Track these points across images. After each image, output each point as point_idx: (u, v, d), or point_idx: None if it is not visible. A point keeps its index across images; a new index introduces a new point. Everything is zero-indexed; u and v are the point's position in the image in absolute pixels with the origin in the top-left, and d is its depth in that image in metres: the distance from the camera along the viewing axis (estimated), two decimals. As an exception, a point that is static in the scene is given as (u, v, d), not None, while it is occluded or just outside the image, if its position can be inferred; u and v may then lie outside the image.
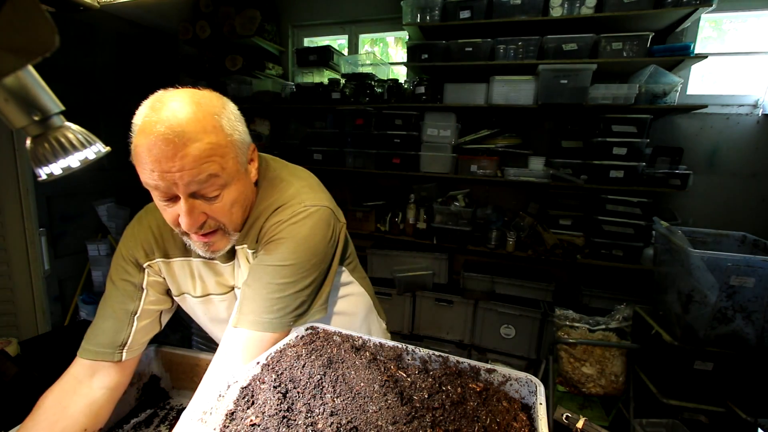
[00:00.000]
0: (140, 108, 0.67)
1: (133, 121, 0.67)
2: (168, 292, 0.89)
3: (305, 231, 0.76)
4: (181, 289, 0.87)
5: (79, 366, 0.80)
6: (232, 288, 0.87)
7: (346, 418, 0.51)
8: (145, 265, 0.84)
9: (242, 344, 0.71)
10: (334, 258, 0.83)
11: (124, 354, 0.81)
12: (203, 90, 0.70)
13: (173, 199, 0.68)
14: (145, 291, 0.84)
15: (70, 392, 0.79)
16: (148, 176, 0.65)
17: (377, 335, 1.08)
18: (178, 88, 0.70)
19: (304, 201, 0.78)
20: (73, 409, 0.78)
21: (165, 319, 0.90)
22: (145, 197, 0.76)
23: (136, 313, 0.83)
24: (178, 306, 0.93)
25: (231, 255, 0.83)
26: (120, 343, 0.81)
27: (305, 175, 0.88)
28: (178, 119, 0.63)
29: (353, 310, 1.02)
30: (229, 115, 0.71)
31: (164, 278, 0.86)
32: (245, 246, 0.81)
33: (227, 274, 0.85)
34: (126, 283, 0.83)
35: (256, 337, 0.71)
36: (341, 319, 0.98)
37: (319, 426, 0.49)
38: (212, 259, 0.83)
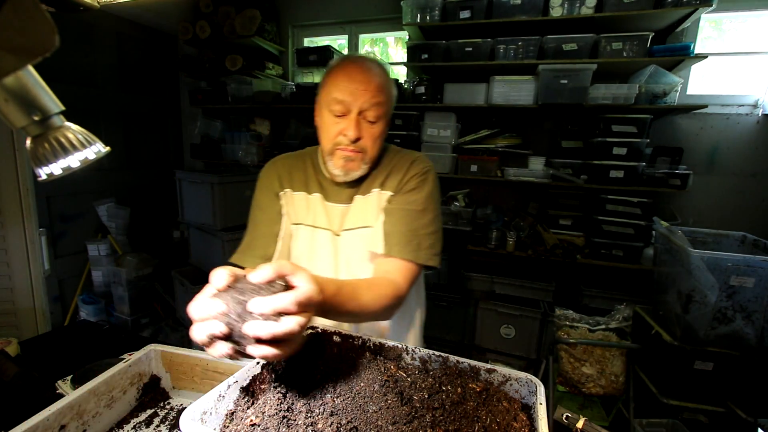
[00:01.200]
0: (341, 55, 0.98)
1: (330, 63, 0.95)
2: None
3: (432, 187, 0.99)
4: (298, 219, 1.02)
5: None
6: (338, 232, 0.99)
7: (346, 418, 0.51)
8: (281, 194, 1.03)
9: (397, 269, 0.89)
10: None
11: None
12: None
13: (344, 116, 0.90)
14: (284, 217, 1.02)
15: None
16: (338, 92, 0.88)
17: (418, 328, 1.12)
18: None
19: (428, 161, 1.02)
20: None
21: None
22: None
23: (278, 235, 1.01)
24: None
25: (345, 198, 0.99)
26: (269, 256, 0.99)
27: None
28: (372, 62, 0.92)
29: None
30: (392, 80, 0.96)
31: (286, 208, 1.02)
32: (386, 192, 0.98)
33: (336, 215, 1.00)
34: (270, 209, 1.02)
35: (405, 265, 0.90)
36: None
37: (319, 426, 0.49)
38: (337, 183, 0.99)
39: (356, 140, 0.90)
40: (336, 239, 0.99)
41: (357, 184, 1.00)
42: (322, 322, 0.77)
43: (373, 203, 0.99)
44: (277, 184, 1.03)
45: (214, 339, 0.47)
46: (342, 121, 0.90)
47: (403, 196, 0.96)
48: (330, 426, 0.49)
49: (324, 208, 1.01)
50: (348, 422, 0.50)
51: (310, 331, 0.74)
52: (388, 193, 0.98)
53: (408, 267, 0.90)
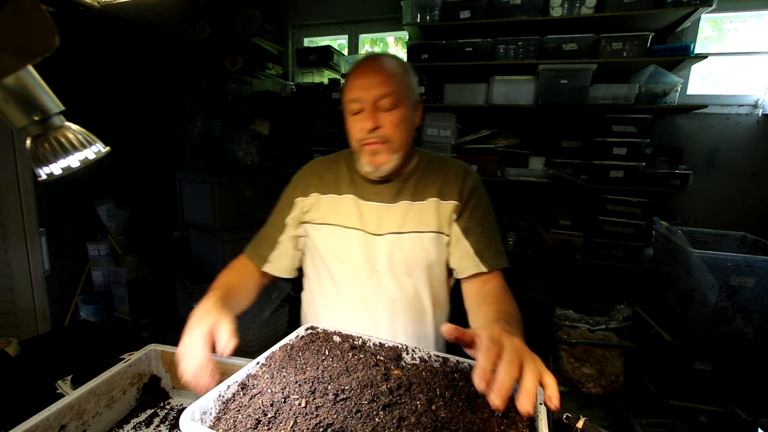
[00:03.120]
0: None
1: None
2: (300, 231, 1.08)
3: (488, 196, 1.07)
4: (325, 219, 1.03)
5: (244, 258, 1.08)
6: (372, 232, 1.00)
7: (346, 419, 0.50)
8: (297, 200, 1.06)
9: (498, 279, 0.97)
10: None
11: (266, 266, 1.06)
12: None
13: (362, 113, 0.92)
14: (287, 225, 1.07)
15: (246, 267, 1.07)
16: (351, 87, 0.93)
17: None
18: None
19: (470, 167, 1.09)
20: (250, 275, 1.05)
21: (295, 260, 1.09)
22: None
23: (277, 242, 1.07)
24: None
25: (385, 198, 1.00)
26: (266, 257, 1.06)
27: None
28: (383, 57, 0.96)
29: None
30: (411, 71, 0.99)
31: (308, 211, 1.06)
32: (447, 202, 1.00)
33: (377, 214, 1.01)
34: (282, 216, 1.08)
35: (499, 273, 0.98)
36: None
37: (320, 425, 0.49)
38: (374, 181, 1.01)
39: (375, 129, 0.92)
40: (372, 239, 1.00)
41: (400, 186, 1.01)
42: (322, 322, 0.77)
43: (430, 210, 1.00)
44: (301, 191, 1.07)
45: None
46: (360, 118, 0.94)
47: (474, 211, 1.01)
48: (330, 426, 0.49)
49: (357, 208, 1.02)
50: (347, 422, 0.50)
51: (310, 331, 0.74)
52: (451, 203, 1.00)
53: (501, 274, 0.99)
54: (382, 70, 0.92)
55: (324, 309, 1.08)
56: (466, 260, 0.98)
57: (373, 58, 0.95)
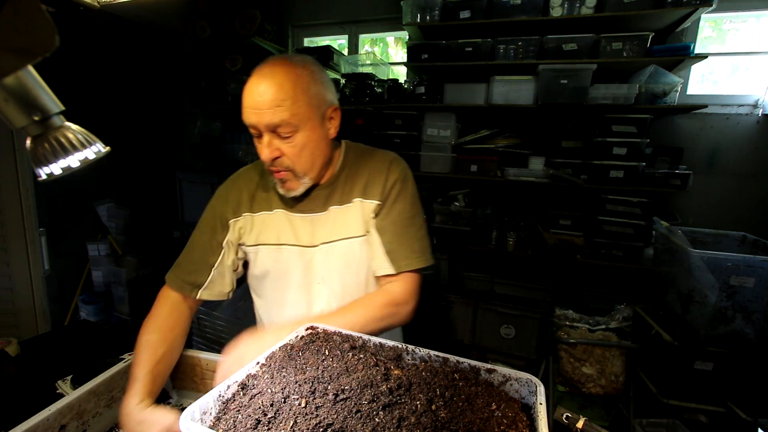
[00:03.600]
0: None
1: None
2: (238, 253, 1.00)
3: (414, 190, 0.99)
4: (259, 240, 0.98)
5: (169, 290, 0.97)
6: (314, 245, 0.96)
7: (345, 419, 0.50)
8: (231, 222, 0.98)
9: (401, 281, 0.92)
10: None
11: (200, 293, 0.96)
12: (308, 56, 0.90)
13: (261, 135, 0.85)
14: (223, 248, 0.97)
15: (173, 307, 0.95)
16: (245, 115, 0.84)
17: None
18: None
19: (403, 162, 1.00)
20: (180, 319, 0.95)
21: (233, 280, 1.01)
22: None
23: (213, 266, 0.97)
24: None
25: (315, 208, 0.96)
26: (199, 284, 0.96)
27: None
28: (271, 70, 0.83)
29: None
30: (314, 72, 0.87)
31: (241, 235, 0.98)
32: (368, 201, 0.95)
33: (309, 227, 0.96)
34: (212, 237, 0.97)
35: (410, 275, 0.92)
36: None
37: (320, 425, 0.49)
38: (292, 205, 0.96)
39: (275, 159, 0.86)
40: (308, 252, 0.96)
41: (328, 192, 0.97)
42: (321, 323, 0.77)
43: (356, 213, 0.96)
44: (231, 210, 0.98)
45: None
46: (261, 141, 0.86)
47: (392, 207, 0.95)
48: (330, 426, 0.49)
49: (289, 223, 0.97)
50: (347, 422, 0.50)
51: (310, 331, 0.74)
52: (372, 202, 0.95)
53: (413, 276, 0.94)
54: (271, 89, 0.81)
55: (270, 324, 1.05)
56: (377, 261, 0.94)
57: (262, 77, 0.82)
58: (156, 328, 0.90)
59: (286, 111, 0.81)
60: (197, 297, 0.96)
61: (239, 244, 0.99)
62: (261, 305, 1.07)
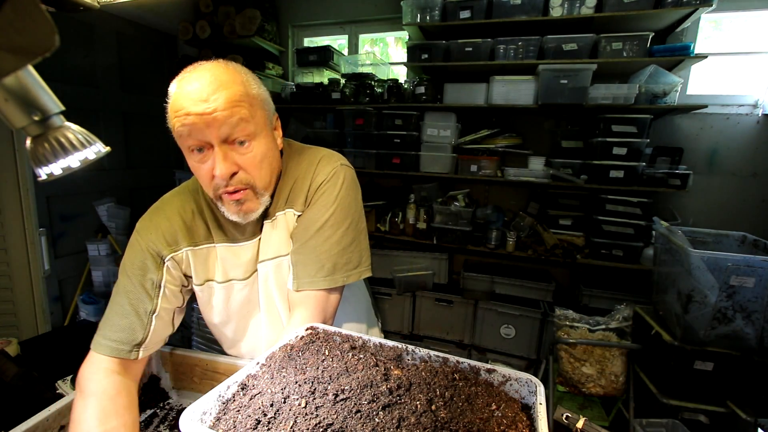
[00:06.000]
0: (177, 77, 0.73)
1: (168, 88, 0.72)
2: (182, 290, 0.86)
3: (342, 192, 0.82)
4: (208, 276, 0.86)
5: (98, 358, 0.76)
6: (255, 271, 0.87)
7: (344, 419, 0.50)
8: (167, 258, 0.82)
9: (310, 303, 0.79)
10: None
11: (141, 352, 0.78)
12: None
13: (206, 150, 0.71)
14: (162, 289, 0.81)
15: (111, 386, 0.74)
16: (182, 123, 0.68)
17: (374, 334, 1.09)
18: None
19: (336, 160, 0.86)
20: (124, 402, 0.74)
21: (177, 321, 0.87)
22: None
23: (154, 312, 0.80)
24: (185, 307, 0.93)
25: (255, 232, 0.86)
26: (138, 341, 0.78)
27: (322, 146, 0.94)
28: (212, 70, 0.70)
29: (353, 307, 1.03)
30: (255, 78, 0.77)
31: (184, 271, 0.85)
32: (291, 210, 0.84)
33: (251, 253, 0.86)
34: (144, 279, 0.80)
35: (318, 295, 0.79)
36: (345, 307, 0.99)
37: (320, 425, 0.49)
38: (235, 235, 0.85)
39: (234, 175, 0.73)
40: (251, 279, 0.88)
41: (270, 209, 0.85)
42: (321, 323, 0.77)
43: (282, 228, 0.85)
44: (165, 243, 0.82)
45: None
46: (207, 158, 0.71)
47: (305, 214, 0.82)
48: (330, 426, 0.49)
49: (233, 255, 0.86)
50: (347, 422, 0.50)
51: (310, 331, 0.74)
52: (295, 213, 0.84)
53: (322, 296, 0.80)
54: (227, 94, 0.68)
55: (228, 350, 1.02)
56: (288, 273, 0.84)
57: (206, 75, 0.69)
58: (98, 419, 0.68)
59: (245, 110, 0.70)
60: (138, 357, 0.78)
61: (185, 277, 0.85)
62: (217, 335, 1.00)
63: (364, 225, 0.87)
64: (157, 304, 0.80)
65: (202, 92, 0.67)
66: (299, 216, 0.84)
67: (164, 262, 0.82)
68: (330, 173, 0.83)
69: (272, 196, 0.83)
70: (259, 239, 0.86)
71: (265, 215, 0.84)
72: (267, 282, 0.87)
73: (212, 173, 0.71)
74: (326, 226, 0.80)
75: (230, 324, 0.94)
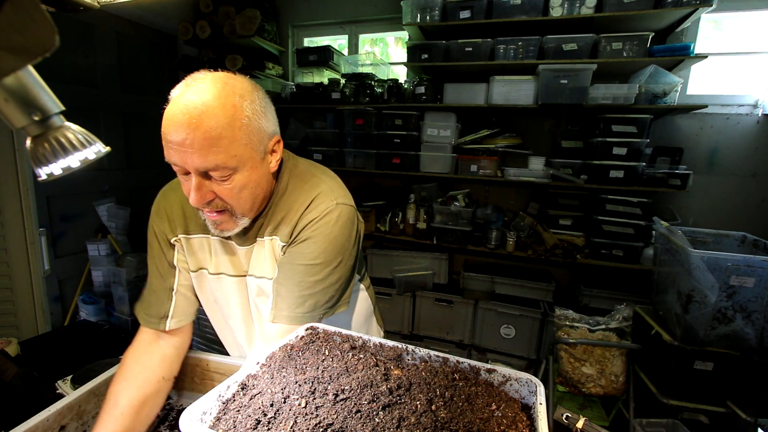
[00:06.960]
0: (180, 83, 0.71)
1: (170, 93, 0.71)
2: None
3: (335, 231, 0.81)
4: (200, 264, 0.90)
5: (143, 329, 0.90)
6: (245, 274, 0.89)
7: (344, 419, 0.50)
8: (173, 241, 0.89)
9: (281, 337, 0.77)
10: (357, 254, 0.89)
11: (168, 323, 0.88)
12: (239, 75, 0.74)
13: (188, 173, 0.71)
14: (177, 269, 0.90)
15: (143, 350, 0.89)
16: (165, 143, 0.68)
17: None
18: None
19: (334, 198, 0.82)
20: (149, 363, 0.87)
21: (197, 304, 0.95)
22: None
23: (173, 290, 0.89)
24: None
25: (248, 240, 0.86)
26: (163, 314, 0.88)
27: (331, 174, 0.91)
28: (201, 98, 0.67)
29: (354, 315, 1.05)
30: (254, 101, 0.72)
31: (183, 254, 0.90)
32: (276, 238, 0.84)
33: (242, 258, 0.88)
34: (160, 260, 0.89)
35: (292, 329, 0.77)
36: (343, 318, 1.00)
37: (320, 425, 0.49)
38: (227, 238, 0.87)
39: (211, 201, 0.73)
40: (244, 281, 0.90)
41: (263, 221, 0.85)
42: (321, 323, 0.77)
43: (266, 251, 0.85)
44: (169, 229, 0.88)
45: None
46: (188, 178, 0.71)
47: (296, 247, 0.81)
48: (330, 426, 0.49)
49: (226, 251, 0.88)
50: (346, 422, 0.50)
51: (310, 331, 0.74)
52: (280, 243, 0.83)
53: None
54: (203, 133, 0.65)
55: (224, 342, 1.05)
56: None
57: (190, 108, 0.65)
58: (121, 378, 0.83)
59: (221, 153, 0.67)
60: (167, 329, 0.88)
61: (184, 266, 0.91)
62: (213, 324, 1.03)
63: (353, 262, 0.86)
64: (174, 282, 0.90)
65: (183, 120, 0.65)
66: (284, 246, 0.83)
67: (172, 245, 0.89)
68: (323, 211, 0.80)
69: (264, 215, 0.84)
70: (253, 250, 0.87)
71: (259, 229, 0.85)
72: (251, 294, 0.90)
73: (190, 195, 0.72)
74: (315, 264, 0.79)
75: (221, 312, 0.97)
